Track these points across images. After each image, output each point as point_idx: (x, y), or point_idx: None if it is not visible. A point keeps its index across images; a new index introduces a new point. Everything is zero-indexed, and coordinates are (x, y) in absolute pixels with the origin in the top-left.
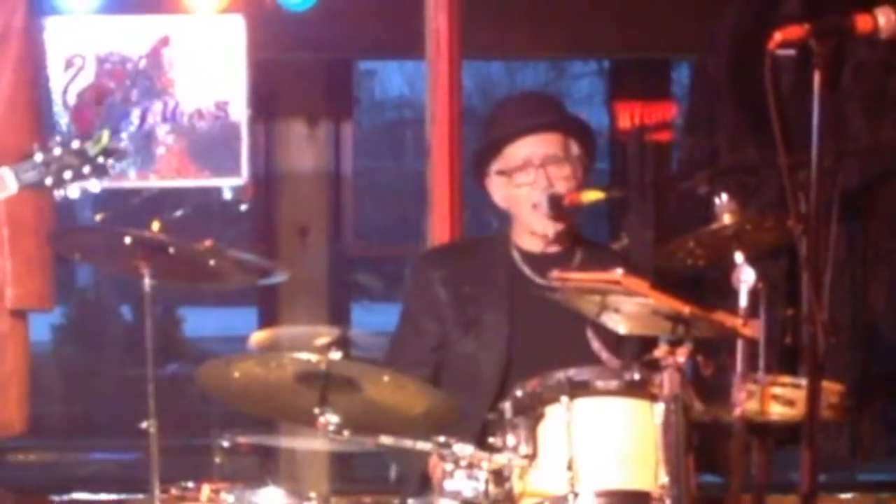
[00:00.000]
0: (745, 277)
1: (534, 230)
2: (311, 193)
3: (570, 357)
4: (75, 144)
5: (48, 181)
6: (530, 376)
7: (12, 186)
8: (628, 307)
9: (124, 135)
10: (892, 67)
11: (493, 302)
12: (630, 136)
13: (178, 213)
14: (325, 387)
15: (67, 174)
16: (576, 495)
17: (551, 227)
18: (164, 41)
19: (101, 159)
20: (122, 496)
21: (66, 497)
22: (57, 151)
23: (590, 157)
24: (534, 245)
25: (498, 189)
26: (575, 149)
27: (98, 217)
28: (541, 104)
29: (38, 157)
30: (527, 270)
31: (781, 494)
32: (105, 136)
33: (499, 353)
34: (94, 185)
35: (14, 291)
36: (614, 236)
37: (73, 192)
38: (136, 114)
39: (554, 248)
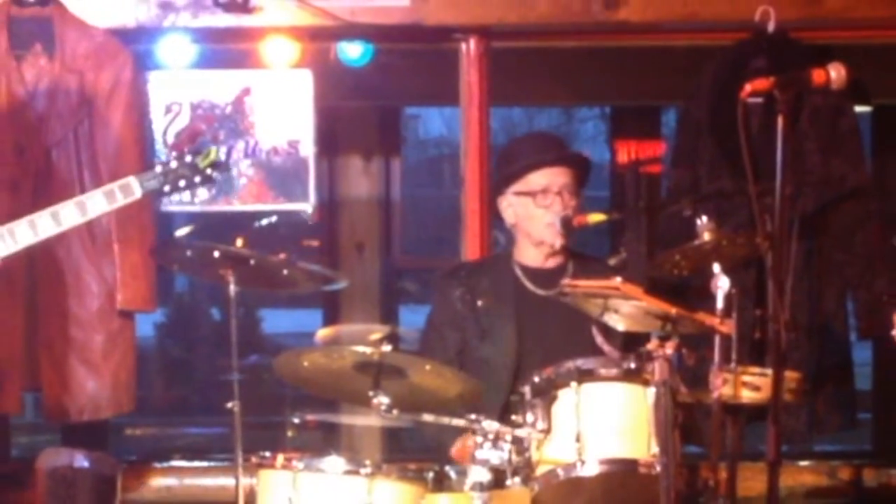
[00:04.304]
0: (722, 284)
1: (543, 241)
2: (367, 215)
3: (567, 354)
4: (188, 158)
5: (166, 188)
6: (540, 369)
7: (137, 193)
8: (626, 308)
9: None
10: (842, 112)
11: (502, 314)
12: (627, 168)
13: (266, 221)
14: (378, 374)
15: (182, 182)
16: (583, 462)
17: (558, 242)
18: (246, 91)
19: (208, 170)
20: (212, 463)
21: (165, 464)
22: (173, 164)
23: (583, 188)
24: (534, 260)
25: (512, 206)
26: (578, 181)
27: (185, 230)
28: (556, 143)
29: (158, 168)
30: (528, 284)
31: (751, 462)
32: (213, 151)
33: (510, 357)
34: (202, 192)
35: (123, 296)
36: (614, 250)
37: (185, 196)
38: (222, 151)
39: (551, 263)
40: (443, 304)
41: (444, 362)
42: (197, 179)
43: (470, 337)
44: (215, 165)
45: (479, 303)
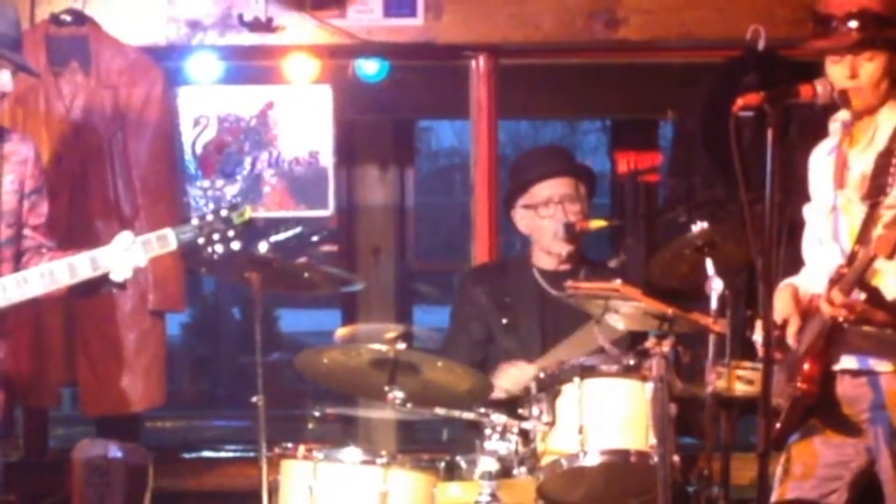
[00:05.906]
0: (716, 286)
1: (551, 251)
2: (382, 222)
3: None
4: (223, 213)
5: (200, 241)
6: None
7: (173, 244)
8: (625, 309)
9: (239, 177)
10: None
11: (527, 311)
12: (626, 178)
13: (289, 233)
14: (393, 370)
15: (215, 236)
16: (585, 453)
17: (565, 248)
18: (270, 105)
19: (241, 227)
20: (238, 454)
21: (194, 455)
22: (209, 218)
23: (591, 195)
24: (548, 264)
25: (523, 219)
26: (582, 189)
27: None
28: (558, 155)
29: (195, 221)
30: (545, 285)
31: (743, 453)
32: (247, 210)
33: (535, 351)
34: (235, 245)
35: (154, 297)
36: (615, 254)
37: (217, 249)
38: (248, 161)
39: (564, 267)
40: (467, 300)
41: (468, 351)
42: (230, 234)
43: (495, 331)
44: (248, 223)
45: (507, 299)
